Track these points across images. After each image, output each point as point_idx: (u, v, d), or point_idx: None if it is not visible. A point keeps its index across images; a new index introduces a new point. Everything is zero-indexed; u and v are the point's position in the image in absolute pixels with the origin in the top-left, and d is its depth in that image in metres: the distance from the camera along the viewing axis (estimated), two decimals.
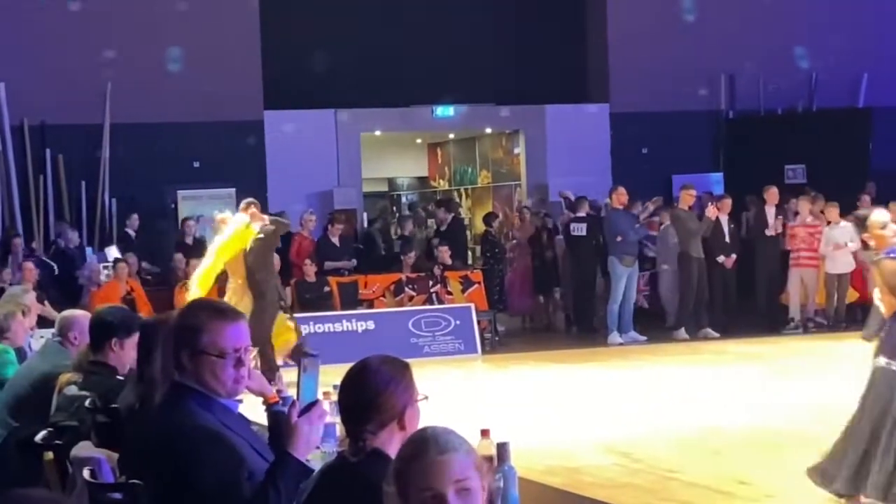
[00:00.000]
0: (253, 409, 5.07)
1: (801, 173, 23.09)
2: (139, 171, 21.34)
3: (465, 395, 13.71)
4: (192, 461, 4.19)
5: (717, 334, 18.50)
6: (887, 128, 22.68)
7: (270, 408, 5.08)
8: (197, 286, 13.96)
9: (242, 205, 14.85)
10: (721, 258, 18.93)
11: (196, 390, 4.37)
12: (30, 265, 17.38)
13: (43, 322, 12.25)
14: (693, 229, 18.64)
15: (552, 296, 20.97)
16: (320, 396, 4.68)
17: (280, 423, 4.96)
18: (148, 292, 18.10)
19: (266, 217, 14.82)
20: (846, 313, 19.10)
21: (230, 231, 14.41)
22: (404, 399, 3.89)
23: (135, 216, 20.90)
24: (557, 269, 20.68)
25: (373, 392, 3.89)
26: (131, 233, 20.80)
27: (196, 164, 22.20)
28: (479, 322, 18.17)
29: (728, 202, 19.43)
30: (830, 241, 18.89)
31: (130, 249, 19.60)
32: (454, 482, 3.11)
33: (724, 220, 19.19)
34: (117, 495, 4.48)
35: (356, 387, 3.94)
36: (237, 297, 14.02)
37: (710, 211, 18.73)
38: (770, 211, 19.32)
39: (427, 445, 3.16)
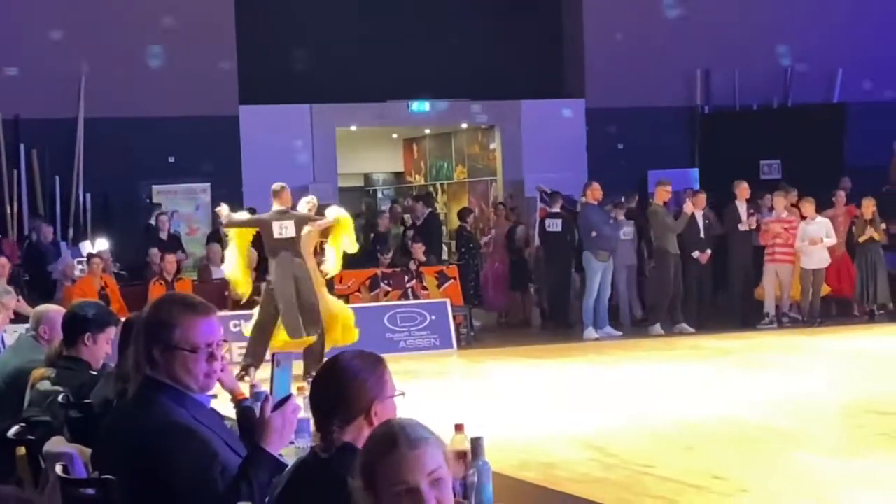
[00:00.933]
0: (224, 404, 5.06)
1: (777, 168, 23.14)
2: (114, 166, 21.24)
3: (440, 390, 13.71)
4: (166, 457, 4.18)
5: (692, 329, 18.56)
6: (862, 123, 22.75)
7: (240, 404, 5.08)
8: None
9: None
10: (696, 254, 18.98)
11: (168, 385, 4.35)
12: (3, 260, 17.30)
13: (17, 318, 12.21)
14: (669, 225, 18.69)
15: (528, 291, 20.99)
16: (294, 391, 4.68)
17: (249, 419, 4.96)
18: (122, 288, 18.04)
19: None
20: (820, 308, 19.18)
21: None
22: (373, 393, 3.87)
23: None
24: (529, 265, 20.71)
25: (340, 385, 3.88)
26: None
27: (171, 159, 22.13)
28: (454, 317, 18.17)
29: (702, 197, 19.47)
30: (806, 236, 18.96)
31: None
32: (427, 475, 3.12)
33: (699, 215, 19.24)
34: (90, 491, 4.46)
35: (325, 380, 3.94)
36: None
37: (687, 206, 18.79)
38: (741, 206, 19.38)
39: (397, 439, 3.15)
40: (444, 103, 24.18)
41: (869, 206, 19.28)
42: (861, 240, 19.16)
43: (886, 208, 20.09)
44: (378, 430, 3.26)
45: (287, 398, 4.31)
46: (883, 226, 19.37)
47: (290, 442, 4.58)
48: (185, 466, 4.17)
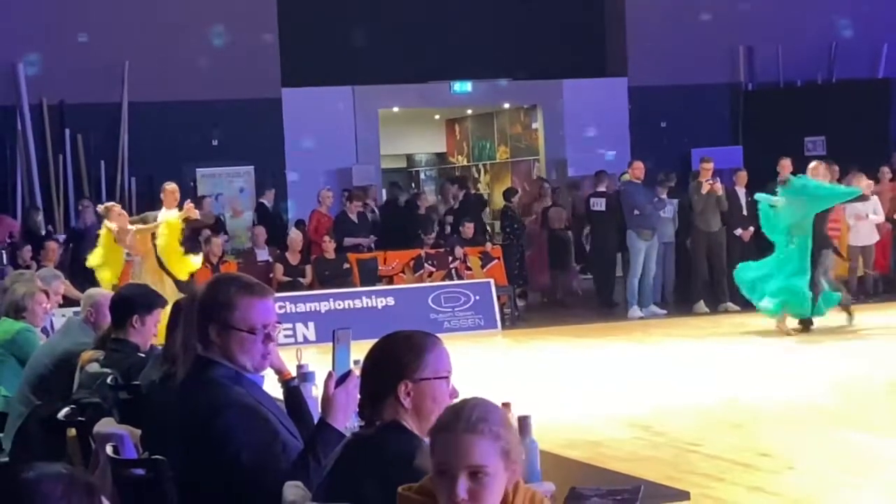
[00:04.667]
0: (271, 383, 5.09)
1: (821, 145, 22.99)
2: (158, 150, 21.36)
3: (485, 369, 13.72)
4: (230, 434, 4.20)
5: (737, 307, 18.47)
6: None
7: (286, 383, 5.11)
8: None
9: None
10: (738, 231, 18.89)
11: (223, 365, 4.38)
12: (53, 245, 17.44)
13: (65, 301, 12.31)
14: (694, 202, 18.58)
15: (569, 270, 20.94)
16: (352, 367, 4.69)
17: (296, 399, 4.99)
18: None
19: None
20: (863, 285, 19.08)
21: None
22: (402, 373, 3.81)
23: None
24: (571, 244, 20.69)
25: (368, 365, 3.89)
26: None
27: (215, 143, 22.23)
28: (498, 297, 18.18)
29: (744, 175, 19.40)
30: (853, 212, 18.84)
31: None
32: (468, 466, 3.05)
33: (742, 192, 19.15)
34: (140, 471, 4.49)
35: (367, 360, 3.94)
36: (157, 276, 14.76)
37: (704, 187, 18.46)
38: None
39: (459, 418, 3.09)
40: (485, 83, 24.14)
41: None
42: (895, 215, 19.02)
43: None
44: (456, 404, 3.21)
45: (348, 374, 4.32)
46: None
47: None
48: (249, 444, 4.20)
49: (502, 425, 3.11)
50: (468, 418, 3.08)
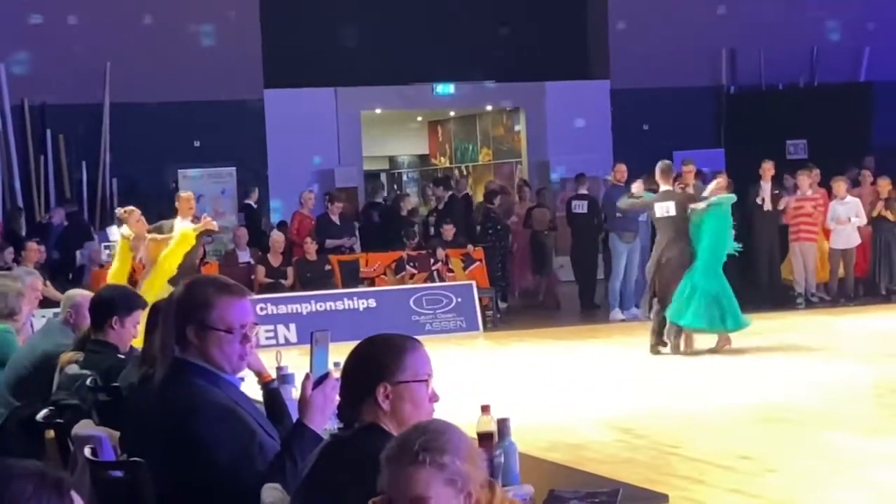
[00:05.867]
0: (251, 386, 5.08)
1: (803, 148, 23.07)
2: (139, 151, 21.32)
3: (466, 372, 13.73)
4: (206, 437, 4.19)
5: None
6: (888, 102, 22.67)
7: (266, 385, 5.10)
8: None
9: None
10: None
11: (200, 366, 4.36)
12: (33, 245, 17.38)
13: (45, 302, 12.27)
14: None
15: (549, 273, 20.94)
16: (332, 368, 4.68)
17: (276, 401, 4.98)
18: None
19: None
20: (844, 288, 19.15)
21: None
22: (379, 375, 3.80)
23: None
24: (554, 246, 20.70)
25: (347, 367, 3.88)
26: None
27: (197, 144, 22.20)
28: (480, 299, 18.18)
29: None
30: (836, 215, 18.91)
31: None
32: (411, 499, 3.01)
33: None
34: (118, 473, 4.48)
35: (347, 361, 3.93)
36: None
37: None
38: (766, 186, 19.31)
39: (402, 449, 3.06)
40: (468, 85, 24.15)
41: (885, 186, 19.20)
42: (873, 214, 19.07)
43: None
44: (403, 433, 3.18)
45: (326, 375, 4.31)
46: None
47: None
48: (225, 446, 4.19)
49: (448, 452, 3.03)
50: (410, 449, 3.02)
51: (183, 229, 14.49)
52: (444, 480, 3.01)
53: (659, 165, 15.17)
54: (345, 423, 3.87)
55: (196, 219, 14.87)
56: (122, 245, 14.53)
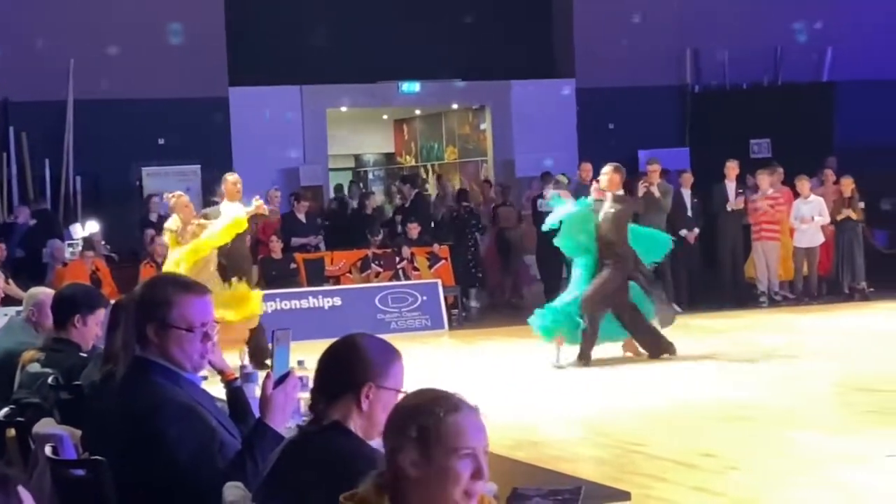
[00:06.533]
0: (214, 384, 5.07)
1: (766, 147, 23.18)
2: (103, 149, 21.21)
3: (431, 370, 13.71)
4: (165, 435, 4.18)
5: (679, 309, 18.56)
6: (851, 102, 22.78)
7: (229, 384, 5.09)
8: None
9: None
10: (683, 232, 19.00)
11: (160, 364, 4.36)
12: None
13: (8, 300, 12.21)
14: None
15: (516, 270, 20.96)
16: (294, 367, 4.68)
17: (239, 399, 4.97)
18: (112, 270, 18.03)
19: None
20: (808, 287, 19.28)
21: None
22: (370, 374, 3.81)
23: None
24: (521, 244, 20.72)
25: (339, 356, 3.87)
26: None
27: (161, 142, 22.09)
28: (445, 298, 18.18)
29: (689, 176, 19.58)
30: (799, 214, 19.01)
31: None
32: (485, 444, 3.06)
33: (687, 194, 19.30)
34: (79, 472, 4.46)
35: (328, 352, 3.93)
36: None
37: (640, 189, 18.40)
38: (730, 185, 19.41)
39: (459, 402, 3.07)
40: (434, 84, 24.15)
41: (848, 185, 19.32)
42: (838, 218, 19.20)
43: (876, 186, 20.18)
44: (426, 393, 3.16)
45: (287, 374, 4.31)
46: (861, 205, 19.40)
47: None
48: (185, 444, 4.18)
49: None
50: (465, 400, 3.07)
51: (237, 215, 13.85)
52: None
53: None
54: (315, 416, 3.86)
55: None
56: (171, 240, 13.97)
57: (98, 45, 21.12)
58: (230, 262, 14.10)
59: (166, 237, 14.13)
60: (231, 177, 14.44)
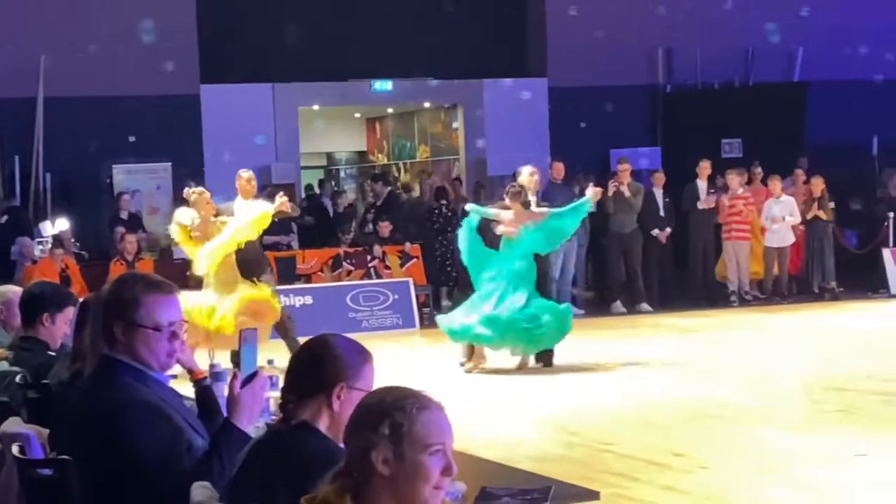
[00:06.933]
0: (183, 383, 5.05)
1: (738, 147, 23.25)
2: (74, 146, 21.11)
3: (402, 369, 13.68)
4: (131, 435, 4.16)
5: (650, 308, 18.64)
6: (822, 102, 22.86)
7: (198, 383, 5.07)
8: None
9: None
10: (655, 232, 19.06)
11: (127, 364, 4.34)
12: None
13: None
14: (606, 204, 18.66)
15: None
16: (265, 366, 4.67)
17: (208, 399, 4.95)
18: (82, 268, 17.95)
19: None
20: (778, 286, 19.36)
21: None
22: (343, 375, 3.82)
23: None
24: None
25: (311, 356, 3.87)
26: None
27: (132, 139, 22.00)
28: (417, 297, 18.18)
29: (661, 176, 19.64)
30: (770, 214, 19.09)
31: None
32: (451, 443, 3.10)
33: (659, 193, 19.36)
34: (47, 471, 4.44)
35: (301, 351, 3.92)
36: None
37: (610, 189, 18.34)
38: (702, 185, 19.47)
39: (428, 399, 3.10)
40: (406, 82, 24.14)
41: (818, 185, 19.40)
42: (808, 216, 19.28)
43: (847, 187, 20.29)
44: (393, 391, 3.17)
45: (255, 374, 4.30)
46: (831, 205, 19.49)
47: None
48: (151, 444, 4.17)
49: None
50: (432, 397, 3.12)
51: (264, 211, 13.39)
52: None
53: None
54: (284, 415, 3.85)
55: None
56: (182, 234, 13.54)
57: (69, 43, 21.01)
58: (244, 261, 13.63)
59: (174, 231, 13.69)
60: (245, 173, 14.07)
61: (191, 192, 13.72)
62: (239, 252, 13.42)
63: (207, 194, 13.72)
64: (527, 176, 13.95)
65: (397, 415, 3.05)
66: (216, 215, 13.60)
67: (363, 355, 3.91)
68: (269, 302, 13.35)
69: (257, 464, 3.79)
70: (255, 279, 13.48)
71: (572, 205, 13.81)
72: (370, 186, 22.69)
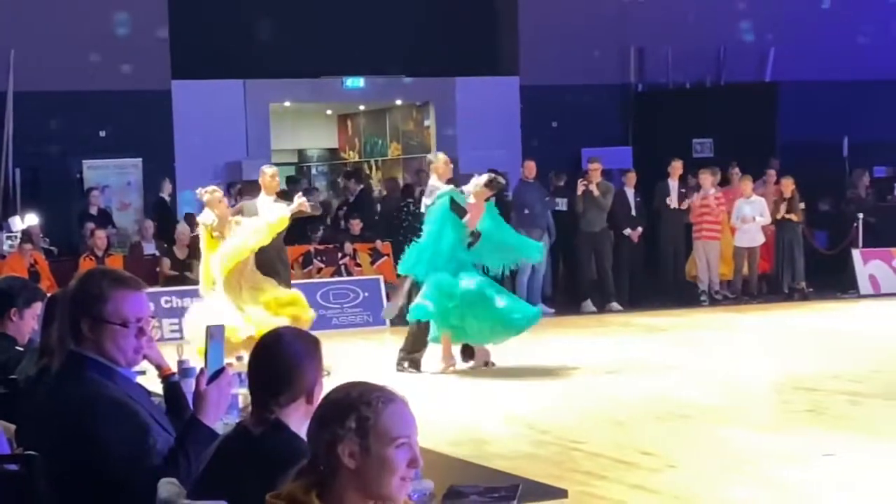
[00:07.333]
0: (151, 380, 5.03)
1: (709, 147, 23.31)
2: (44, 141, 21.00)
3: (372, 366, 13.69)
4: (98, 431, 4.14)
5: (620, 307, 18.67)
6: (794, 102, 22.95)
7: (166, 379, 5.05)
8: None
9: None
10: (627, 231, 19.11)
11: (94, 360, 4.32)
12: None
13: None
14: (576, 203, 18.73)
15: None
16: (232, 363, 4.66)
17: (176, 395, 4.94)
18: (51, 264, 17.86)
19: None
20: (748, 286, 19.43)
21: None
22: (314, 375, 3.86)
23: None
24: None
25: (287, 365, 3.86)
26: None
27: (102, 134, 21.92)
28: (387, 294, 18.14)
29: (633, 175, 19.69)
30: (739, 214, 19.15)
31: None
32: (416, 436, 3.15)
33: (631, 193, 19.39)
34: (13, 467, 4.41)
35: (271, 357, 3.90)
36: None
37: (579, 188, 18.56)
38: (673, 185, 19.51)
39: (393, 394, 3.13)
40: (378, 79, 24.11)
41: (788, 186, 19.47)
42: (778, 217, 19.34)
43: (817, 187, 20.37)
44: (357, 386, 3.18)
45: (221, 370, 4.29)
46: (802, 205, 19.56)
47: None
48: (118, 440, 4.15)
49: None
50: (395, 392, 3.16)
51: (283, 213, 13.16)
52: None
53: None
54: (256, 413, 3.84)
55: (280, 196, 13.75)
56: (207, 236, 13.19)
57: (40, 36, 20.90)
58: (264, 262, 13.38)
59: (201, 232, 13.40)
60: (269, 169, 13.74)
61: (203, 191, 13.45)
62: (259, 253, 13.18)
63: (219, 192, 13.49)
64: (442, 164, 14.02)
65: (363, 408, 3.08)
66: (237, 213, 13.40)
67: (319, 347, 3.95)
68: (299, 303, 13.26)
69: (227, 461, 3.78)
70: (277, 278, 13.36)
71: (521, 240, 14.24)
72: (344, 184, 22.64)
